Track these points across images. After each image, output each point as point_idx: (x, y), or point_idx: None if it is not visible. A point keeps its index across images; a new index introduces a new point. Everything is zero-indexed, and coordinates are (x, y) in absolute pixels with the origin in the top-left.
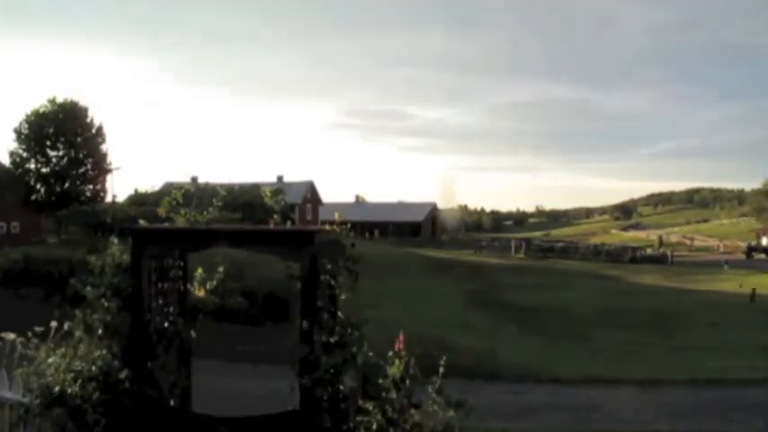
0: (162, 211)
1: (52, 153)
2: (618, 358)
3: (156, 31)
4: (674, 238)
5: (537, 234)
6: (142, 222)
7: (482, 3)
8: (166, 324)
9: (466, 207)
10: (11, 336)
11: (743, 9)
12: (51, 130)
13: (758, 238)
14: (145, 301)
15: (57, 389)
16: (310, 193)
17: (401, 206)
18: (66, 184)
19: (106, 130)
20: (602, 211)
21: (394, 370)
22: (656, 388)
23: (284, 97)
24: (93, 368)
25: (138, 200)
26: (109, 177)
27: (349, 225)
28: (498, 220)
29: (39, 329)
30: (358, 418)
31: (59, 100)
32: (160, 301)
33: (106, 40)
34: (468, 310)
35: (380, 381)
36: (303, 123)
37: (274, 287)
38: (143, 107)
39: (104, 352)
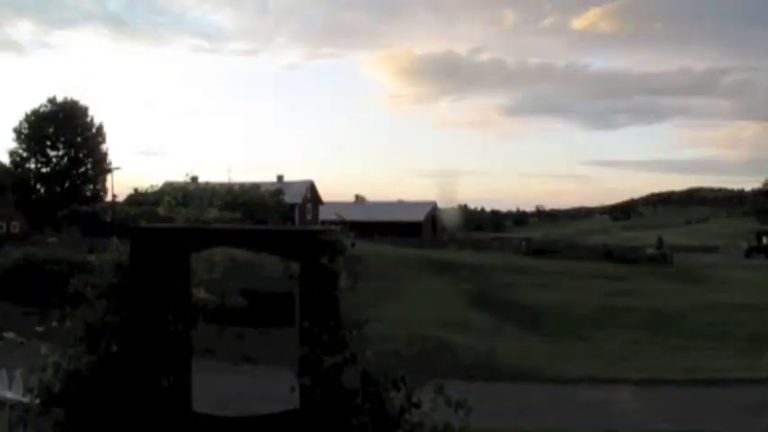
0: (162, 210)
1: (52, 153)
2: (618, 358)
3: None
4: (674, 238)
5: (537, 234)
6: (142, 222)
7: None
8: (166, 324)
9: (466, 207)
10: (11, 335)
11: None
12: (51, 130)
13: (758, 238)
14: (144, 302)
15: (57, 389)
16: (310, 193)
17: (401, 206)
18: (67, 184)
19: (106, 129)
20: (602, 210)
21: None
22: (656, 388)
23: None
24: (93, 368)
25: (138, 200)
26: (109, 177)
27: (349, 225)
28: (498, 220)
29: (39, 329)
30: (358, 418)
31: (59, 99)
32: (160, 301)
33: None
34: (468, 310)
35: (380, 380)
36: None
37: (275, 287)
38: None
39: (104, 352)
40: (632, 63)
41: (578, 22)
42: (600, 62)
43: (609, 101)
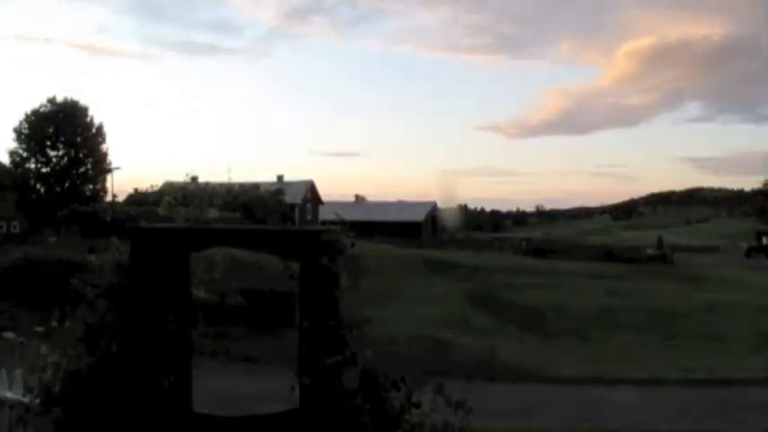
0: (162, 210)
1: (52, 153)
2: (618, 358)
3: None
4: (674, 238)
5: (537, 234)
6: (142, 222)
7: None
8: (166, 324)
9: (466, 207)
10: (11, 335)
11: None
12: (51, 130)
13: (758, 238)
14: (144, 302)
15: (57, 389)
16: (310, 193)
17: (401, 206)
18: (67, 184)
19: (106, 129)
20: (602, 210)
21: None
22: (656, 388)
23: None
24: (93, 368)
25: (138, 200)
26: (109, 177)
27: (349, 225)
28: (498, 220)
29: (39, 329)
30: (358, 418)
31: (59, 99)
32: (160, 301)
33: None
34: (468, 310)
35: (380, 380)
36: None
37: (275, 287)
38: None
39: (104, 352)
40: None
41: None
42: None
43: None
